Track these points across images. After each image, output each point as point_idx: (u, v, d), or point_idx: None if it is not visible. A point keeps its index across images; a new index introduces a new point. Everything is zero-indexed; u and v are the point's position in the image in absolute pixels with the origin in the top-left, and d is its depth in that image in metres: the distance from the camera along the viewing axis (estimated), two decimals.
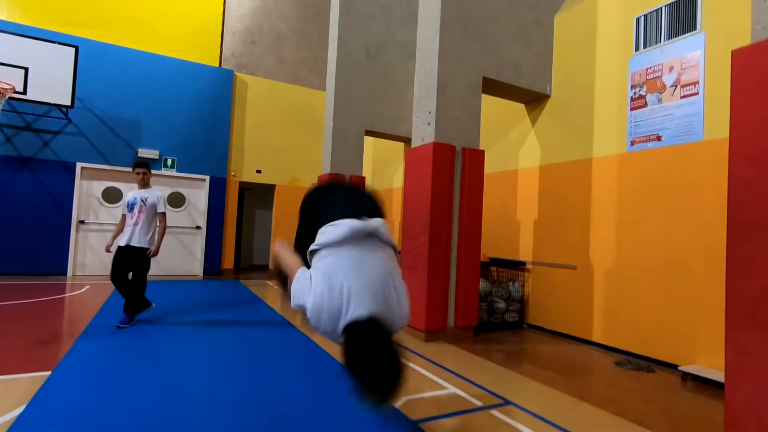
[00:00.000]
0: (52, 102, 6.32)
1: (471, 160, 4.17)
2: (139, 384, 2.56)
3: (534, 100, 4.96)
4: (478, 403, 2.55)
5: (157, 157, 7.69)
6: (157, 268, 7.72)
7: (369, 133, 6.91)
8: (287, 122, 9.08)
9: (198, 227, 8.11)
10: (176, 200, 7.95)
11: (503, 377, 3.08)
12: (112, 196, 7.40)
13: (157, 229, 4.17)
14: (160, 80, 7.78)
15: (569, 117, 4.57)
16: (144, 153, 7.55)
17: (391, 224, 7.94)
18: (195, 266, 8.10)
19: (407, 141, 7.19)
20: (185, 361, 3.08)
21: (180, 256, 7.97)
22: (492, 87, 4.59)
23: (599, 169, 4.21)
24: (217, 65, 8.45)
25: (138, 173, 4.12)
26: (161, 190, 7.75)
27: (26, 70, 6.03)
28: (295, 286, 1.60)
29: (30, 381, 2.53)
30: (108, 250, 4.10)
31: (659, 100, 3.71)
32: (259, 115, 8.82)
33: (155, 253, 4.11)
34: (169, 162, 7.84)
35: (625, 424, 2.37)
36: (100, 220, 7.31)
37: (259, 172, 8.82)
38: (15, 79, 5.91)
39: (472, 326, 4.18)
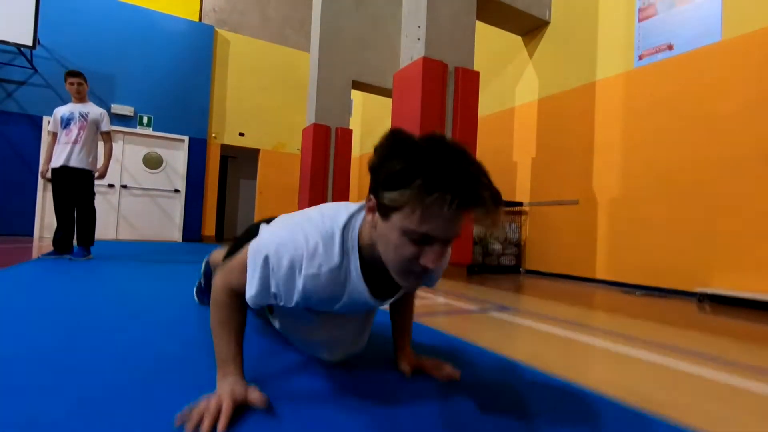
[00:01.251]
0: (11, 41, 5.83)
1: (465, 81, 3.80)
2: (71, 305, 2.17)
3: (531, 30, 4.61)
4: (474, 308, 2.20)
5: (131, 114, 7.22)
6: (132, 232, 7.30)
7: (356, 84, 6.52)
8: (272, 84, 8.64)
9: (177, 190, 7.65)
10: (153, 161, 7.49)
11: (502, 295, 2.73)
12: None
13: (105, 150, 3.67)
14: (135, 32, 7.30)
15: (570, 43, 4.22)
16: (118, 109, 7.07)
17: None
18: (173, 231, 7.65)
19: None
20: (135, 288, 2.69)
21: (157, 220, 7.52)
22: (487, 9, 4.23)
23: (603, 92, 3.86)
24: (197, 20, 7.99)
25: (72, 83, 3.59)
26: (137, 149, 7.37)
27: None
28: None
29: None
30: (44, 177, 3.58)
31: (672, 5, 3.36)
32: (241, 76, 8.37)
33: (103, 175, 3.64)
34: (145, 120, 7.37)
35: (649, 324, 2.02)
36: None
37: (242, 135, 8.37)
38: None
39: (465, 263, 3.82)
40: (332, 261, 0.78)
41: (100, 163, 3.71)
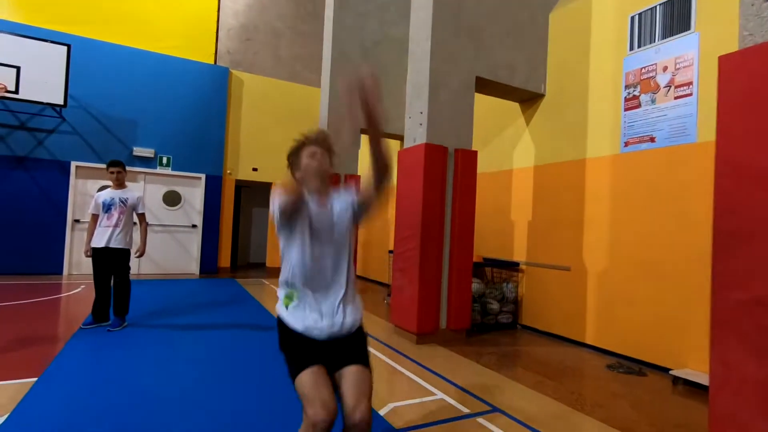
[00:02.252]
0: (45, 101, 6.29)
1: (464, 161, 4.14)
2: (122, 390, 2.56)
3: (528, 99, 4.92)
4: (466, 410, 2.54)
5: (152, 156, 7.66)
6: (153, 267, 7.74)
7: (364, 131, 6.84)
8: (283, 119, 9.03)
9: (194, 226, 8.09)
10: (172, 199, 7.93)
11: (493, 382, 3.07)
12: None
13: (140, 229, 4.13)
14: (155, 78, 7.74)
15: (563, 117, 4.53)
16: (139, 151, 7.52)
17: (385, 224, 7.94)
18: (191, 265, 8.09)
19: (402, 139, 7.14)
20: (171, 366, 3.08)
21: (176, 255, 7.97)
22: (486, 86, 4.55)
23: (593, 170, 4.17)
24: (212, 62, 8.40)
25: (112, 172, 3.98)
26: (157, 188, 7.82)
27: (18, 69, 6.00)
28: None
29: (16, 388, 2.52)
30: (87, 255, 3.98)
31: (653, 101, 3.66)
32: (254, 113, 8.77)
33: (143, 253, 4.08)
34: (165, 160, 7.81)
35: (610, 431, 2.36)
36: None
37: (255, 170, 8.79)
38: (7, 78, 5.88)
39: (464, 328, 4.16)
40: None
41: (135, 240, 4.13)
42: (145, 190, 7.60)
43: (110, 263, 3.93)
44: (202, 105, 8.14)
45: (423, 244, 3.91)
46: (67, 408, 2.29)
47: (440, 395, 2.77)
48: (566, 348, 4.09)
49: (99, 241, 3.91)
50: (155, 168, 7.72)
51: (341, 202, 1.57)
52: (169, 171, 7.85)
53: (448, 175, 4.12)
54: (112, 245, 3.89)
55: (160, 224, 7.82)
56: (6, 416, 2.16)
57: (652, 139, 3.65)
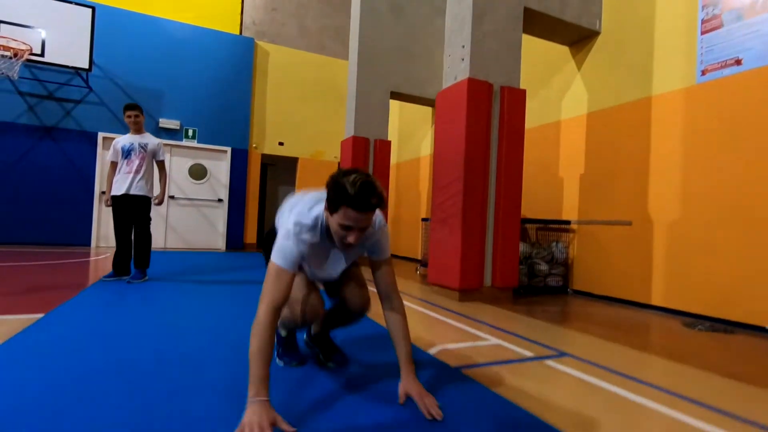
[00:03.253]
0: (70, 65, 6.17)
1: (511, 100, 3.70)
2: (129, 332, 2.27)
3: (580, 39, 4.42)
4: (528, 354, 2.13)
5: (178, 128, 7.51)
6: (179, 241, 7.60)
7: (394, 95, 6.49)
8: (310, 93, 8.75)
9: (220, 200, 7.91)
10: (198, 172, 7.77)
11: (555, 332, 2.64)
12: None
13: (161, 177, 3.90)
14: (180, 48, 7.57)
15: (624, 54, 4.02)
16: (165, 123, 7.38)
17: (417, 196, 7.54)
18: (217, 240, 7.92)
19: (433, 105, 6.72)
20: (186, 314, 2.78)
21: (202, 229, 7.80)
22: (533, 22, 4.08)
23: (660, 108, 3.65)
24: (237, 33, 8.19)
25: (130, 116, 3.73)
26: (183, 161, 7.66)
27: (43, 31, 5.89)
28: None
29: (19, 321, 2.27)
30: (108, 204, 3.75)
31: (739, 17, 3.13)
32: (280, 86, 8.52)
33: (162, 201, 3.84)
34: (190, 132, 7.65)
35: (723, 380, 1.89)
36: None
37: (281, 144, 8.54)
38: (32, 41, 5.78)
39: (511, 287, 3.73)
40: (316, 233, 1.40)
41: (156, 188, 3.89)
42: (171, 162, 7.44)
43: (131, 212, 3.69)
44: (227, 77, 7.94)
45: (466, 189, 3.50)
46: (63, 341, 2.01)
47: (495, 340, 2.36)
48: (630, 310, 3.60)
49: (119, 188, 3.68)
50: (181, 140, 7.56)
51: (360, 247, 1.50)
52: (194, 143, 7.69)
53: (493, 116, 3.69)
54: (132, 192, 3.66)
55: (186, 198, 7.67)
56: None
57: (737, 62, 3.12)
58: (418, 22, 6.55)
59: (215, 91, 7.84)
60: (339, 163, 8.49)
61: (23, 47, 5.57)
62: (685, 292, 3.38)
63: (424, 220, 5.98)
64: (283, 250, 1.32)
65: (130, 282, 3.61)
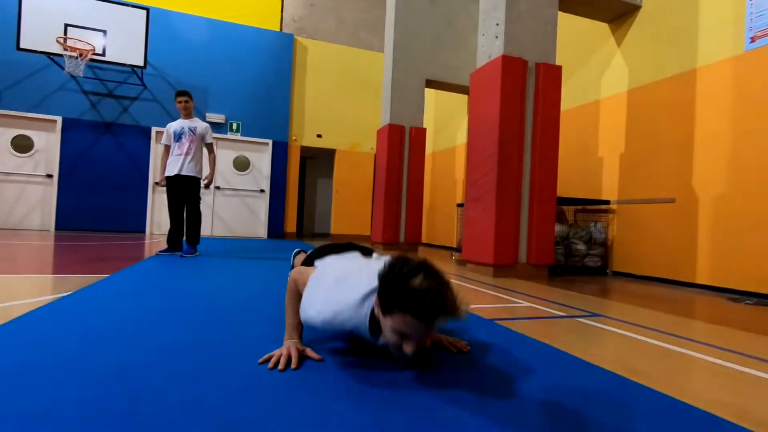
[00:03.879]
0: (127, 63, 6.66)
1: (546, 77, 3.68)
2: (183, 286, 2.48)
3: (620, 15, 4.31)
4: (561, 313, 2.16)
5: (223, 122, 7.91)
6: (224, 229, 8.01)
7: (430, 83, 6.55)
8: (347, 86, 8.95)
9: (262, 190, 8.26)
10: (242, 164, 8.15)
11: (590, 301, 2.64)
12: None
13: (209, 159, 4.17)
14: (225, 46, 7.97)
15: (666, 27, 3.90)
16: (211, 117, 7.79)
17: (453, 185, 7.55)
18: (259, 229, 8.27)
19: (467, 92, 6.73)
20: (234, 278, 2.99)
21: (245, 218, 8.18)
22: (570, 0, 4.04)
23: (705, 80, 3.53)
24: (277, 30, 8.51)
25: (180, 102, 4.02)
26: (228, 154, 8.07)
27: (104, 32, 6.40)
28: None
29: (92, 278, 2.55)
30: (161, 184, 4.06)
31: None
32: (318, 79, 8.77)
33: (211, 182, 4.11)
34: (235, 126, 8.03)
35: (763, 338, 1.86)
36: None
37: (319, 136, 8.79)
38: (95, 42, 6.29)
39: (547, 264, 3.72)
40: (361, 317, 1.13)
41: (205, 170, 4.17)
42: (216, 155, 7.85)
43: (182, 191, 3.98)
44: (268, 72, 8.27)
45: (500, 166, 3.53)
46: (129, 289, 2.24)
47: (528, 304, 2.40)
48: (673, 289, 3.50)
49: (172, 169, 3.97)
50: (226, 133, 7.96)
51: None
52: (238, 136, 8.07)
53: (528, 95, 3.69)
54: (183, 173, 3.94)
55: (231, 188, 8.06)
56: (68, 293, 2.15)
57: None
58: (453, 11, 6.58)
59: (257, 86, 8.19)
60: (375, 155, 8.64)
61: (87, 47, 6.07)
62: (733, 268, 3.25)
63: (459, 205, 6.01)
64: (314, 305, 1.16)
65: (183, 256, 3.89)
